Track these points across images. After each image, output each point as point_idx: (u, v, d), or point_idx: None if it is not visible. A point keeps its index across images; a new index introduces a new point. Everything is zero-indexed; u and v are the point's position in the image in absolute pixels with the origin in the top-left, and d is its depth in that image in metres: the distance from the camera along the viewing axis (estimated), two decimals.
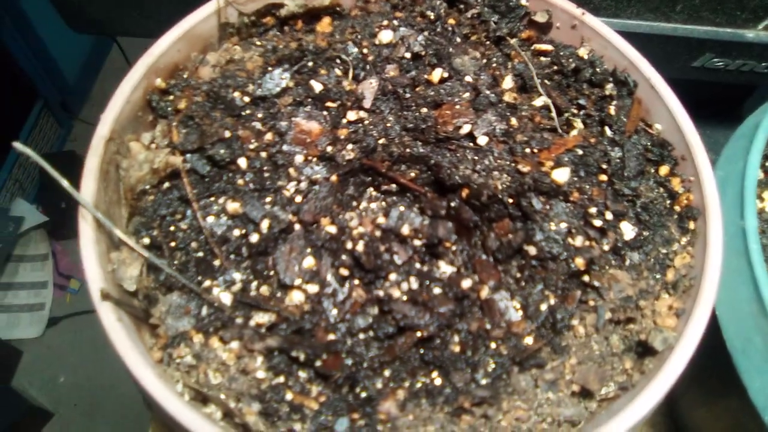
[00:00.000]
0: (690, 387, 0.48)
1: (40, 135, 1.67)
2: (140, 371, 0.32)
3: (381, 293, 0.39)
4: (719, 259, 0.36)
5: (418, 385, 0.35)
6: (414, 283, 0.39)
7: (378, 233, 0.41)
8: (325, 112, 0.43)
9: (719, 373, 0.39)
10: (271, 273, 0.39)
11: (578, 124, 0.43)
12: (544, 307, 0.38)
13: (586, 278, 0.38)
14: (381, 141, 0.43)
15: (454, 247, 0.42)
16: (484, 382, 0.35)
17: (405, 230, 0.41)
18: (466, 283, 0.39)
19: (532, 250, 0.40)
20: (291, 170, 0.42)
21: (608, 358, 0.35)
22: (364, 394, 0.34)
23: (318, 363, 0.35)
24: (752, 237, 0.38)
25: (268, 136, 0.42)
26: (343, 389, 0.35)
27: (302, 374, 0.35)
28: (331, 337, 0.36)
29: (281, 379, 0.35)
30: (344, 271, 0.40)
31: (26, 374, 1.53)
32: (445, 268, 0.41)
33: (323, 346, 0.35)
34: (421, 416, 0.34)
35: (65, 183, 0.35)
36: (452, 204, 0.42)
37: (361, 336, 0.37)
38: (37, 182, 1.68)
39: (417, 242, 0.42)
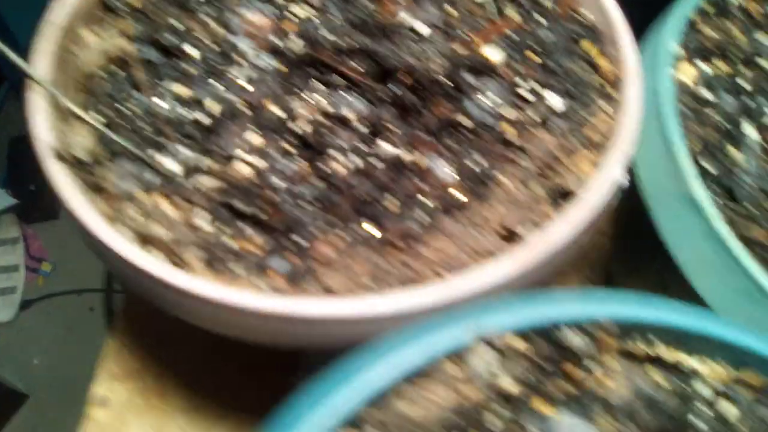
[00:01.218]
0: (622, 255, 0.51)
1: (7, 118, 1.67)
2: (91, 221, 0.34)
3: (326, 168, 0.41)
4: (635, 118, 0.39)
5: (354, 234, 0.38)
6: (357, 160, 0.41)
7: (323, 118, 0.43)
8: (272, 7, 0.46)
9: (644, 234, 0.42)
10: (220, 150, 0.41)
11: (512, 12, 0.46)
12: (476, 168, 0.40)
13: (514, 141, 0.40)
14: (326, 35, 0.45)
15: (396, 129, 0.44)
16: (415, 226, 0.37)
17: (350, 115, 0.43)
18: (406, 157, 0.42)
19: (466, 122, 0.42)
20: (240, 60, 0.44)
21: (531, 205, 0.38)
22: (303, 242, 0.37)
23: (263, 216, 0.37)
24: (664, 99, 0.41)
25: (218, 29, 0.44)
26: (285, 238, 0.37)
27: (246, 227, 0.37)
28: (276, 198, 0.38)
29: (226, 230, 0.37)
30: (291, 149, 0.42)
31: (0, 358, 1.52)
32: (387, 147, 0.43)
33: (268, 203, 0.37)
34: (354, 255, 0.36)
35: (13, 55, 0.37)
36: (395, 90, 0.44)
37: (306, 201, 0.39)
38: (5, 166, 1.67)
39: (361, 126, 0.44)
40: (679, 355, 0.34)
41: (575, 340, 0.33)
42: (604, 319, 0.33)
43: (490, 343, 0.31)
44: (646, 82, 0.42)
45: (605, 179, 0.37)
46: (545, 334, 0.33)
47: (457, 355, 0.31)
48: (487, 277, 0.34)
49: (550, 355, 0.33)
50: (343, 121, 0.44)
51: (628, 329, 0.34)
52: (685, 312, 0.33)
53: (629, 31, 0.44)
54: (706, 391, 0.33)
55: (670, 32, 0.44)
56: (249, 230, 0.37)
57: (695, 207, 0.37)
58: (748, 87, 0.46)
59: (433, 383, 0.30)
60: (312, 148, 0.42)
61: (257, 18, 0.46)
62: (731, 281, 0.37)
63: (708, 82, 0.45)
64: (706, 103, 0.44)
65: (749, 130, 0.44)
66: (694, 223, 0.38)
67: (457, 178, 0.41)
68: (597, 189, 0.37)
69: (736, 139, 0.43)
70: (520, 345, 0.32)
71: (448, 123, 0.43)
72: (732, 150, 0.42)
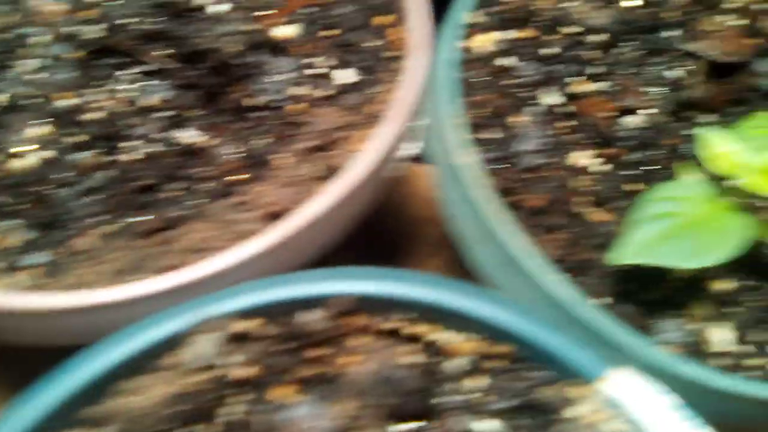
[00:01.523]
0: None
1: None
2: None
3: (116, 158, 0.41)
4: (413, 90, 0.39)
5: (123, 224, 0.37)
6: (149, 148, 0.41)
7: (123, 107, 0.43)
8: None
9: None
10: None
11: None
12: (259, 149, 0.40)
13: (298, 119, 0.40)
14: (126, 20, 0.44)
15: (198, 113, 0.44)
16: (183, 212, 0.37)
17: (151, 102, 0.43)
18: (198, 142, 0.41)
19: (258, 102, 0.42)
20: (31, 50, 0.43)
21: (307, 183, 0.38)
22: (63, 235, 0.36)
23: (25, 209, 0.37)
24: (444, 68, 0.40)
25: (9, 18, 0.43)
26: (47, 231, 0.36)
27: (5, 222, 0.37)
28: (47, 190, 0.38)
29: None
30: (83, 139, 0.41)
31: None
32: (182, 133, 0.43)
33: (35, 196, 0.37)
34: (115, 246, 0.36)
35: None
36: (197, 73, 0.44)
37: (82, 193, 0.39)
38: None
39: (164, 113, 0.43)
40: (431, 330, 0.34)
41: (313, 320, 0.33)
42: (347, 296, 0.33)
43: (215, 329, 0.31)
44: (440, 54, 0.42)
45: (372, 152, 0.37)
46: (281, 316, 0.33)
47: (179, 343, 0.31)
48: (230, 258, 0.33)
49: (288, 337, 0.33)
50: (145, 109, 0.43)
51: (377, 306, 0.34)
52: (436, 287, 0.33)
53: (424, 1, 0.43)
54: (457, 364, 0.34)
55: (464, 1, 0.43)
56: (6, 225, 0.37)
57: (457, 176, 0.37)
58: (552, 52, 0.45)
59: (155, 374, 0.30)
60: (108, 138, 0.42)
61: (52, 5, 0.45)
62: (493, 252, 0.37)
63: (508, 51, 0.44)
64: (503, 71, 0.44)
65: (548, 98, 0.44)
66: (459, 193, 0.38)
67: (241, 160, 0.40)
68: (361, 162, 0.37)
69: (530, 106, 0.42)
70: (253, 328, 0.32)
71: (242, 104, 0.43)
72: (522, 118, 0.41)
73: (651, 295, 0.38)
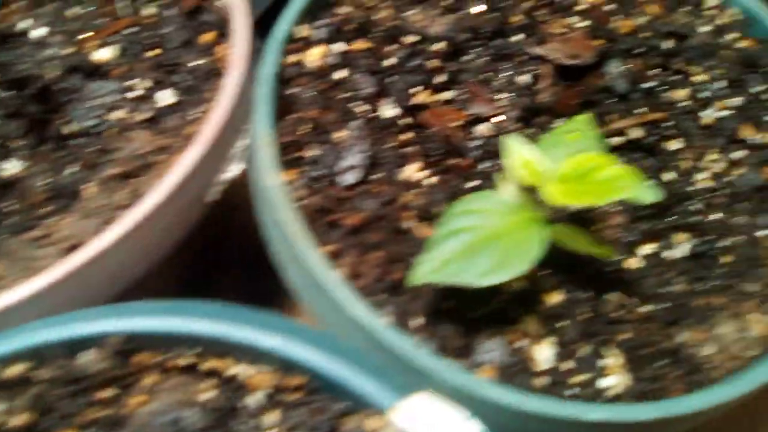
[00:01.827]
0: None
1: None
2: None
3: None
4: (223, 110, 0.37)
5: None
6: None
7: None
8: None
9: None
10: None
11: (150, 9, 0.44)
12: (67, 179, 0.38)
13: (114, 144, 0.38)
14: None
15: (22, 143, 0.42)
16: None
17: None
18: (19, 173, 0.39)
19: (75, 129, 0.40)
20: None
21: (110, 212, 0.36)
22: None
23: None
24: (261, 82, 0.38)
25: None
26: None
27: None
28: None
29: None
30: None
31: None
32: (7, 164, 0.41)
33: None
34: None
35: None
36: (20, 101, 0.42)
37: None
38: None
39: None
40: (221, 364, 0.32)
41: (90, 360, 0.31)
42: (119, 334, 0.31)
43: None
44: (262, 69, 0.40)
45: (174, 176, 0.35)
46: (59, 358, 0.31)
47: None
48: (10, 297, 0.31)
49: (68, 379, 0.31)
50: None
51: (160, 342, 0.32)
52: (221, 318, 0.32)
53: (246, 16, 0.42)
54: (255, 399, 0.32)
55: (291, 14, 0.42)
56: None
57: (268, 197, 0.36)
58: (391, 63, 0.43)
59: None
60: None
61: None
62: (302, 276, 0.35)
63: (341, 64, 0.43)
64: (336, 85, 0.42)
65: (387, 110, 0.42)
66: (270, 216, 0.36)
67: (50, 190, 0.38)
68: (161, 188, 0.35)
69: (360, 120, 0.40)
70: (21, 373, 0.30)
71: (62, 131, 0.41)
72: (350, 133, 0.40)
73: (477, 312, 0.36)
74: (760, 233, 0.40)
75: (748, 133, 0.44)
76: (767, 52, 0.47)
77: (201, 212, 0.39)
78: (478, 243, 0.32)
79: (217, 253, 0.50)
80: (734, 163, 0.44)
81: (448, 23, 0.46)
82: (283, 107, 0.41)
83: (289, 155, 0.39)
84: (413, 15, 0.46)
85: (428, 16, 0.46)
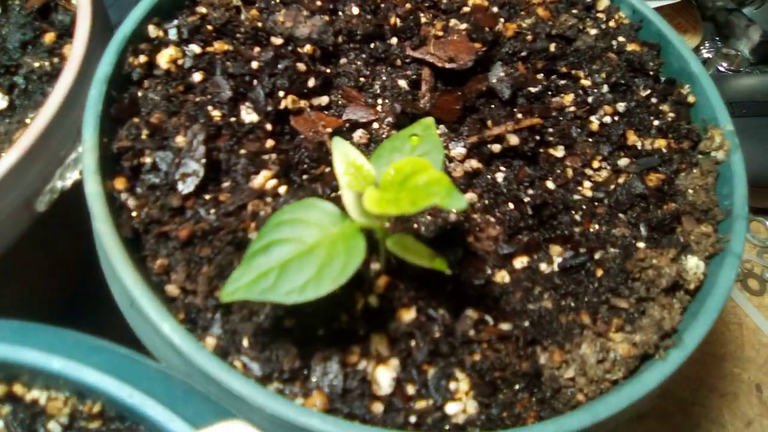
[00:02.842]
0: None
1: None
2: None
3: None
4: (47, 114, 0.34)
5: None
6: None
7: None
8: None
9: None
10: None
11: None
12: None
13: None
14: None
15: None
16: None
17: None
18: None
19: None
20: None
21: None
22: None
23: None
24: (95, 85, 0.35)
25: None
26: None
27: None
28: None
29: None
30: None
31: None
32: None
33: None
34: None
35: None
36: None
37: None
38: None
39: None
40: (21, 389, 0.29)
41: None
42: None
43: None
44: (98, 72, 0.37)
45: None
46: None
47: None
48: None
49: None
50: None
51: None
52: (10, 340, 0.28)
53: (89, 15, 0.39)
54: (52, 426, 0.28)
55: (138, 12, 0.39)
56: None
57: (89, 203, 0.32)
58: (254, 67, 0.41)
59: None
60: None
61: None
62: (121, 293, 0.32)
63: (195, 66, 0.40)
64: (188, 88, 0.39)
65: (246, 116, 0.39)
66: (93, 226, 0.33)
67: None
68: None
69: (209, 125, 0.37)
70: None
71: None
72: (194, 138, 0.37)
73: (319, 331, 0.33)
74: (639, 244, 0.37)
75: (633, 140, 0.41)
76: (654, 55, 0.44)
77: (31, 221, 0.35)
78: (295, 257, 0.29)
79: (73, 270, 0.47)
80: (619, 171, 0.41)
81: (318, 25, 0.43)
82: (126, 110, 0.37)
83: (125, 162, 0.36)
84: (281, 16, 0.43)
85: (297, 17, 0.43)
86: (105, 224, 0.32)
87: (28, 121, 0.37)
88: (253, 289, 0.28)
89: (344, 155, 0.31)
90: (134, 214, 0.35)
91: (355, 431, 0.28)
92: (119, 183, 0.35)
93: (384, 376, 0.31)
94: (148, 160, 0.36)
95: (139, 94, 0.39)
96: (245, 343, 0.32)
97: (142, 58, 0.39)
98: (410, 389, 0.32)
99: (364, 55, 0.44)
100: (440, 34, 0.45)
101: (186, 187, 0.35)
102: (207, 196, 0.36)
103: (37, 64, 0.39)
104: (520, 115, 0.42)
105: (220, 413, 0.28)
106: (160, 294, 0.32)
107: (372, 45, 0.44)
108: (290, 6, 0.44)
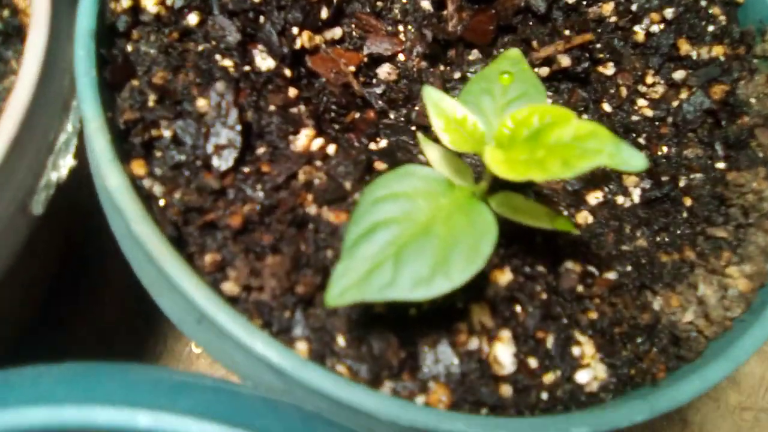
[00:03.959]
0: None
1: None
2: None
3: None
4: (26, 86, 0.25)
5: None
6: None
7: None
8: None
9: None
10: None
11: None
12: None
13: None
14: None
15: None
16: None
17: None
18: None
19: None
20: None
21: None
22: None
23: None
24: (80, 42, 0.27)
25: None
26: None
27: None
28: None
29: None
30: None
31: None
32: None
33: None
34: None
35: None
36: None
37: None
38: None
39: None
40: None
41: None
42: None
43: None
44: (79, 23, 0.28)
45: None
46: None
47: None
48: None
49: None
50: None
51: None
52: (95, 400, 0.22)
53: None
54: None
55: None
56: None
57: (115, 202, 0.25)
58: (253, 1, 0.33)
59: None
60: None
61: None
62: (178, 305, 0.26)
63: (189, 5, 0.32)
64: (186, 34, 0.32)
65: (262, 62, 0.32)
66: (122, 226, 0.26)
67: None
68: None
69: (226, 81, 0.30)
70: None
71: None
72: (213, 100, 0.29)
73: (414, 311, 0.28)
74: (719, 165, 0.35)
75: (686, 49, 0.38)
76: None
77: (30, 226, 0.28)
78: (407, 240, 0.24)
79: (74, 278, 0.39)
80: (675, 86, 0.38)
81: None
82: (121, 71, 0.30)
83: (137, 138, 0.29)
84: None
85: None
86: (145, 225, 0.25)
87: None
88: (367, 287, 0.23)
89: (439, 108, 0.25)
90: (162, 203, 0.28)
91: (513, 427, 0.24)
92: (137, 167, 0.28)
93: (505, 354, 0.28)
94: (166, 132, 0.29)
95: (129, 48, 0.31)
96: (341, 341, 0.27)
97: (125, 2, 0.31)
98: (533, 363, 0.28)
99: None
100: None
101: (223, 161, 0.29)
102: (246, 169, 0.30)
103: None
104: (567, 32, 0.37)
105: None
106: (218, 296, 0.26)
107: None
108: None
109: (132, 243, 0.26)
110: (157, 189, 0.28)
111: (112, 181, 0.26)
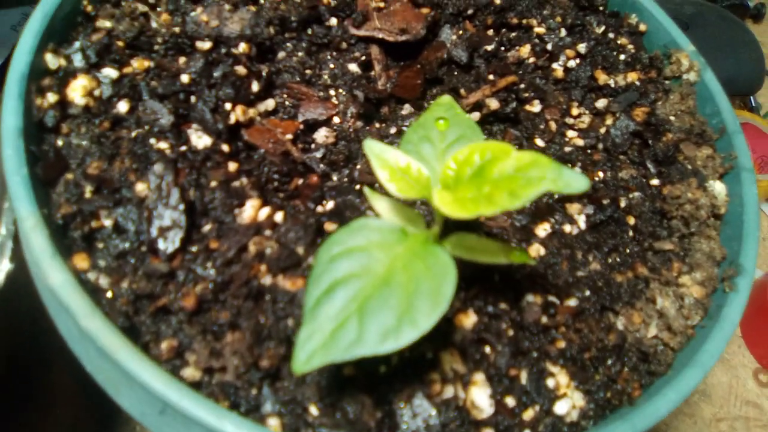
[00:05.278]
0: None
1: None
2: None
3: None
4: None
5: None
6: None
7: None
8: None
9: None
10: None
11: None
12: None
13: None
14: None
15: None
16: None
17: None
18: None
19: None
20: None
21: None
22: None
23: None
24: (8, 139, 0.27)
25: None
26: None
27: None
28: None
29: None
30: None
31: None
32: None
33: None
34: None
35: None
36: None
37: None
38: None
39: None
40: None
41: None
42: None
43: None
44: (5, 121, 0.28)
45: None
46: None
47: None
48: None
49: None
50: None
51: None
52: None
53: None
54: None
55: (29, 40, 0.30)
56: None
57: (57, 299, 0.24)
58: (186, 80, 0.33)
59: None
60: None
61: None
62: (131, 393, 0.24)
63: (118, 93, 0.32)
64: (118, 122, 0.31)
65: (198, 140, 0.32)
66: (71, 325, 0.25)
67: None
68: None
69: (163, 162, 0.30)
70: None
71: None
72: (151, 182, 0.29)
73: (384, 367, 0.28)
74: (654, 182, 0.36)
75: (604, 79, 0.40)
76: None
77: None
78: (371, 293, 0.23)
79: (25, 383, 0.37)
80: (601, 114, 0.39)
81: (247, 18, 0.36)
82: (54, 167, 0.29)
83: (76, 232, 0.28)
84: (203, 15, 0.36)
85: (221, 13, 0.36)
86: (94, 319, 0.24)
87: None
88: (334, 348, 0.23)
89: (382, 159, 0.26)
90: (110, 294, 0.27)
91: None
92: (80, 261, 0.27)
93: (481, 397, 0.27)
94: (106, 222, 0.28)
95: (60, 142, 0.30)
96: (313, 410, 0.26)
97: (51, 97, 0.30)
98: (510, 401, 0.28)
99: (304, 44, 0.38)
100: (381, 5, 0.40)
101: (170, 243, 0.28)
102: (194, 248, 0.29)
103: None
104: (491, 77, 0.39)
105: None
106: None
107: (310, 30, 0.39)
108: (206, 2, 0.37)
109: (82, 340, 0.25)
110: (103, 281, 0.27)
111: (54, 278, 0.25)
